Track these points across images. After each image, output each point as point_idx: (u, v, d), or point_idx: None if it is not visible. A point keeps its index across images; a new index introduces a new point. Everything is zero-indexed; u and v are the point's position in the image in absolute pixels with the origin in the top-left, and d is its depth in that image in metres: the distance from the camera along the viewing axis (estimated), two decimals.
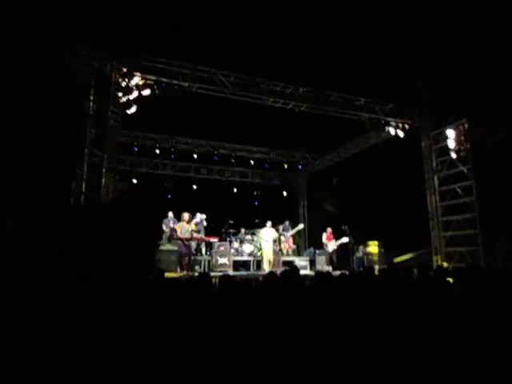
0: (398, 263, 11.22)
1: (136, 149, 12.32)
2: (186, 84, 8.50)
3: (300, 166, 14.90)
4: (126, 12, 8.19)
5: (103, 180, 6.76)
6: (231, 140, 13.51)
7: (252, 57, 10.06)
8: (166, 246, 9.79)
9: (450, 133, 9.72)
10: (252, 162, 14.02)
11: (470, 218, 9.31)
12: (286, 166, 14.30)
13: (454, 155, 9.70)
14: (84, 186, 6.80)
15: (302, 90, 9.65)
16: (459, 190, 9.63)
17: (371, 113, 10.47)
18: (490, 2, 8.42)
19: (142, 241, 1.39)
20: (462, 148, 9.47)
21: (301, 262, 11.58)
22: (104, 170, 6.85)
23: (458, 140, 9.59)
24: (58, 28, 6.43)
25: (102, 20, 7.05)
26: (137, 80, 7.48)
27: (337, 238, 10.90)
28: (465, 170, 9.52)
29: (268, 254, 10.34)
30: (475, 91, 9.05)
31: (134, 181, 13.04)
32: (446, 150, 9.90)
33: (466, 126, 9.45)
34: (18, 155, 6.37)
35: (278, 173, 15.35)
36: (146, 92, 7.70)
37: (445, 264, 9.63)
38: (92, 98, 7.11)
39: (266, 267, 10.14)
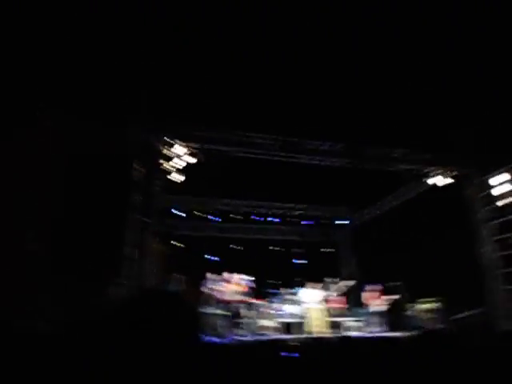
0: (457, 321, 10.31)
1: (184, 214, 12.61)
2: (226, 148, 8.88)
3: (342, 221, 14.66)
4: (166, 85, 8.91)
5: (153, 246, 6.94)
6: (269, 199, 13.64)
7: (286, 118, 10.47)
8: (209, 309, 9.58)
9: (494, 180, 9.38)
10: (290, 219, 13.96)
11: None
12: (325, 222, 14.13)
13: (500, 202, 9.24)
14: (128, 251, 6.97)
15: (338, 146, 9.79)
16: None
17: (410, 164, 10.34)
18: None
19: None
20: None
21: (349, 322, 10.91)
22: (149, 236, 7.04)
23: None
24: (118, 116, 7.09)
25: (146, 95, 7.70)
26: (181, 149, 7.94)
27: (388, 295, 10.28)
28: None
29: (313, 316, 9.86)
30: None
31: (180, 245, 13.25)
32: (493, 197, 9.48)
33: None
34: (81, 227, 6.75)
35: (318, 229, 15.12)
36: (193, 160, 8.12)
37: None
38: (138, 166, 7.55)
39: (312, 329, 9.62)
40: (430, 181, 10.37)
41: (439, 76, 9.85)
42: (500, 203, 9.39)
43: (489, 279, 9.60)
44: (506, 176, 9.30)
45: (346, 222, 14.80)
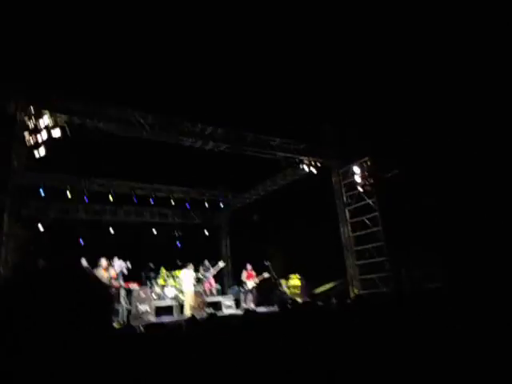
0: (319, 294, 11.66)
1: (42, 192, 11.22)
2: (101, 124, 8.21)
3: (221, 205, 15.00)
4: (33, 46, 7.81)
5: (6, 227, 6.05)
6: (150, 180, 13.18)
7: (170, 97, 10.19)
8: None
9: (356, 169, 10.76)
10: (172, 202, 13.75)
11: (378, 247, 10.18)
12: (206, 205, 14.29)
13: (360, 189, 10.69)
14: None
15: (220, 130, 9.92)
16: (367, 221, 10.54)
17: (286, 152, 11.12)
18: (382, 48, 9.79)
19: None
20: (367, 183, 10.50)
21: (226, 301, 11.41)
22: (6, 217, 6.15)
23: (362, 176, 10.64)
24: None
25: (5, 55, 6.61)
26: (46, 121, 7.02)
27: (258, 274, 11.02)
28: (370, 203, 10.50)
29: (189, 297, 10.01)
30: (375, 132, 10.26)
31: (41, 227, 11.83)
32: (354, 184, 10.89)
33: (369, 163, 10.56)
34: None
35: (198, 212, 15.24)
36: (57, 133, 7.23)
37: (355, 291, 10.35)
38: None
39: (189, 311, 9.77)
40: (305, 168, 11.33)
41: (318, 76, 10.80)
42: (357, 191, 10.81)
43: (346, 256, 11.06)
44: (357, 169, 10.75)
45: (224, 206, 15.23)
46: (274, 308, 10.19)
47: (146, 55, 9.54)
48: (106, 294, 1.42)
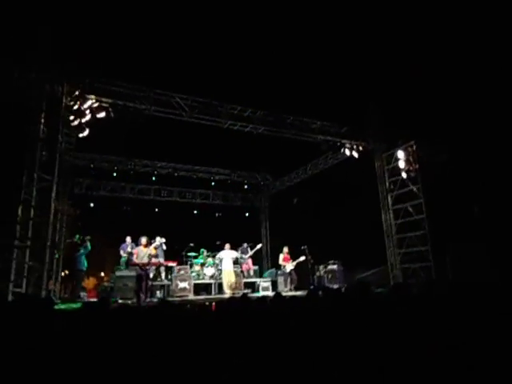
0: (358, 281, 11.44)
1: (93, 172, 11.96)
2: (143, 107, 8.45)
3: (261, 187, 15.06)
4: (78, 32, 8.13)
5: (53, 205, 6.49)
6: (192, 161, 13.50)
7: (209, 80, 10.24)
8: (123, 272, 9.48)
9: (400, 154, 10.25)
10: (213, 184, 14.02)
11: (421, 235, 9.73)
12: (247, 188, 14.40)
13: (404, 175, 10.19)
14: (32, 212, 6.49)
15: (259, 113, 9.85)
16: (410, 209, 10.08)
17: (327, 135, 10.83)
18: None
19: None
20: (412, 168, 9.98)
21: (263, 283, 11.54)
22: (54, 195, 6.59)
23: (407, 161, 10.12)
24: (6, 48, 6.26)
25: (53, 40, 6.94)
26: (90, 103, 7.36)
27: (295, 258, 10.98)
28: (414, 189, 10.00)
29: (228, 277, 10.23)
30: (422, 116, 9.68)
31: (91, 205, 12.61)
32: (398, 170, 10.40)
33: (414, 147, 10.01)
34: None
35: (239, 194, 15.41)
36: (101, 115, 7.57)
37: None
38: (43, 121, 6.89)
39: (227, 290, 10.01)
40: (347, 152, 10.99)
41: (360, 60, 10.31)
42: (400, 177, 10.32)
43: (387, 243, 10.71)
44: (403, 153, 10.21)
45: (264, 189, 15.26)
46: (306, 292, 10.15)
47: (186, 39, 9.60)
48: None
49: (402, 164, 10.22)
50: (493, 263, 8.05)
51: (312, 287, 7.57)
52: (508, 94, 8.24)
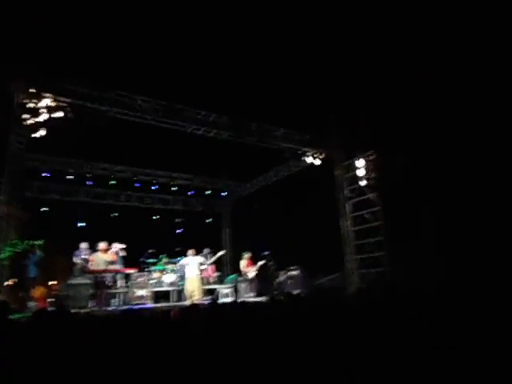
0: (316, 286, 11.64)
1: (48, 174, 11.33)
2: (104, 108, 8.16)
3: (223, 193, 14.98)
4: (35, 28, 7.72)
5: (4, 209, 6.06)
6: (152, 166, 13.18)
7: (173, 83, 10.09)
8: (77, 280, 9.02)
9: (360, 163, 10.63)
10: (174, 189, 13.77)
11: (378, 241, 10.11)
12: (208, 193, 14.29)
13: (362, 183, 10.58)
14: None
15: (223, 118, 9.84)
16: (367, 216, 10.46)
17: (290, 143, 11.01)
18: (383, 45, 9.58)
19: None
20: (370, 177, 10.39)
21: (224, 289, 11.43)
22: (2, 197, 6.16)
23: (366, 169, 10.52)
24: None
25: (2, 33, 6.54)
26: (47, 102, 6.97)
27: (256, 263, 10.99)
28: (371, 197, 10.40)
29: (191, 284, 10.02)
30: (381, 126, 10.10)
31: (42, 209, 11.91)
32: (356, 178, 10.77)
33: (373, 156, 10.43)
34: None
35: (201, 199, 15.24)
36: (59, 114, 7.20)
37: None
38: None
39: (189, 298, 9.80)
40: (308, 160, 11.22)
41: (324, 68, 10.60)
42: (359, 185, 10.71)
43: (345, 249, 11.02)
44: (362, 162, 10.61)
45: (226, 195, 15.20)
46: (266, 299, 10.18)
47: (150, 41, 9.41)
48: None
49: (360, 172, 10.61)
50: (441, 264, 8.51)
51: (275, 293, 7.61)
52: (461, 98, 8.78)
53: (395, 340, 2.64)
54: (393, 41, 9.45)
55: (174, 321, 4.41)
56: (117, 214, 13.49)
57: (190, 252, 10.44)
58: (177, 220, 14.77)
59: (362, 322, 3.32)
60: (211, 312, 4.12)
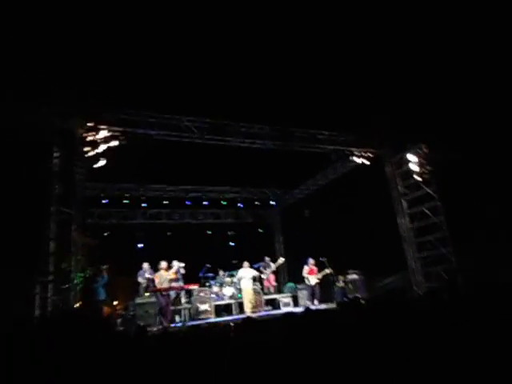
0: (379, 289, 11.24)
1: (107, 201, 12.06)
2: (153, 132, 8.53)
3: (272, 202, 15.01)
4: (85, 66, 8.26)
5: (76, 238, 6.48)
6: (201, 182, 13.53)
7: (215, 100, 10.32)
8: (143, 299, 9.38)
9: (411, 157, 10.19)
10: (224, 202, 14.03)
11: (441, 237, 9.58)
12: (258, 203, 14.39)
13: (417, 178, 10.11)
14: (52, 246, 6.47)
15: (266, 128, 9.91)
16: (427, 211, 9.96)
17: (335, 145, 10.83)
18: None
19: None
20: (424, 171, 9.91)
21: (283, 298, 11.37)
22: (73, 227, 6.58)
23: (419, 163, 10.05)
24: (17, 90, 6.35)
25: (61, 76, 7.05)
26: (104, 133, 7.43)
27: (318, 270, 10.83)
28: (429, 191, 9.90)
29: (248, 296, 10.08)
30: (429, 117, 9.65)
31: (105, 234, 12.61)
32: (410, 173, 10.32)
33: (425, 149, 9.95)
34: None
35: (250, 211, 15.36)
36: (114, 143, 7.64)
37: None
38: (57, 154, 6.95)
39: (248, 309, 9.86)
40: (356, 160, 10.96)
41: (363, 66, 10.35)
42: (413, 180, 10.24)
43: (405, 248, 10.54)
44: (413, 156, 10.15)
45: (275, 203, 15.19)
46: (334, 305, 9.97)
47: (190, 62, 9.71)
48: None
49: (413, 167, 10.16)
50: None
51: (345, 299, 7.40)
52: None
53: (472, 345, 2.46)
54: (436, 29, 9.04)
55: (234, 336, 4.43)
56: (171, 233, 13.93)
57: (245, 264, 10.55)
58: (229, 233, 14.98)
59: (437, 325, 3.15)
60: (304, 320, 4.07)
